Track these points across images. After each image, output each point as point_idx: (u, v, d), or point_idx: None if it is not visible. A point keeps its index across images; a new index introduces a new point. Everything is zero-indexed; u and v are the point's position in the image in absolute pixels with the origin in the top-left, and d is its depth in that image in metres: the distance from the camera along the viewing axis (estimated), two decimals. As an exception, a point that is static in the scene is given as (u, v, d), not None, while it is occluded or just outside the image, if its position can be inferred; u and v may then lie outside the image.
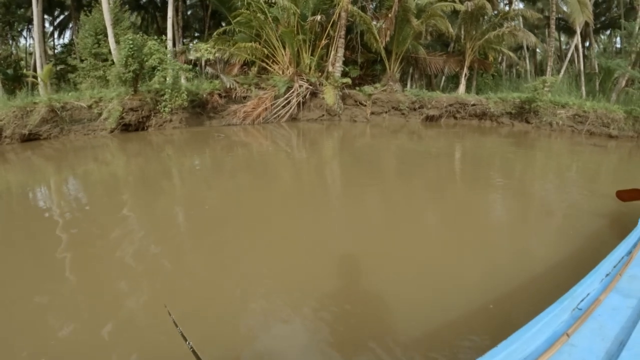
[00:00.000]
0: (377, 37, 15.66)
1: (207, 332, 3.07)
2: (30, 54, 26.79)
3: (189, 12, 25.56)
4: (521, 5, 23.60)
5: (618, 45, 28.16)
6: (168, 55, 14.08)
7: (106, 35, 17.56)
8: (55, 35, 27.74)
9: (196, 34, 25.42)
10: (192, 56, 14.89)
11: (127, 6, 18.66)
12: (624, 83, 21.00)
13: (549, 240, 4.94)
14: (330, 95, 14.68)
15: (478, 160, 10.90)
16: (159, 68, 14.02)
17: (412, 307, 3.37)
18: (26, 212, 6.33)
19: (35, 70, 21.13)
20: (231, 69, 17.31)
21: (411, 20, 15.54)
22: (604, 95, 20.86)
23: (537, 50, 25.10)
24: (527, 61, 23.62)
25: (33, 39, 24.22)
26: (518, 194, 7.16)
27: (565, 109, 16.38)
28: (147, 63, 14.30)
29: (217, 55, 14.71)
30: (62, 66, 22.09)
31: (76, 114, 14.57)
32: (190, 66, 14.18)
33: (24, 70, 23.02)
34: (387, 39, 15.64)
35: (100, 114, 14.59)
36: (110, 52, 17.48)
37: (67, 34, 27.86)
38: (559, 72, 21.06)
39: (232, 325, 3.19)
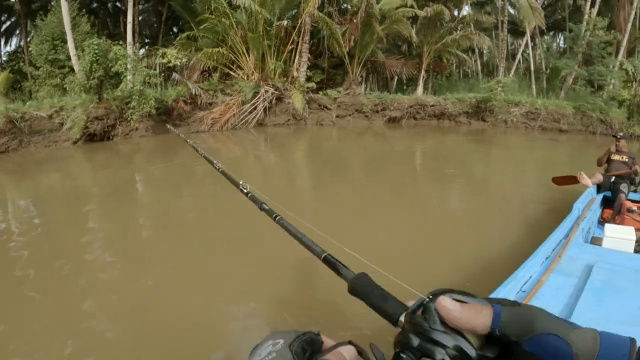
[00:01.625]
0: (341, 42, 16.04)
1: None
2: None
3: (139, 18, 24.98)
4: (468, 10, 24.66)
5: (562, 45, 29.94)
6: (134, 62, 13.83)
7: (63, 41, 17.00)
8: (2, 43, 26.40)
9: (146, 40, 24.86)
10: (157, 62, 14.64)
11: (84, 10, 18.06)
12: (571, 81, 22.39)
13: (498, 228, 5.45)
14: (298, 100, 14.92)
15: (440, 157, 11.43)
16: (125, 74, 13.72)
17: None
18: None
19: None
20: (191, 74, 17.18)
21: (374, 26, 16.02)
22: (552, 92, 22.16)
23: (484, 51, 26.25)
24: (477, 62, 24.71)
25: None
26: (473, 186, 7.77)
27: (518, 106, 17.35)
28: (112, 69, 13.99)
29: (184, 61, 14.54)
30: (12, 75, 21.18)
31: (36, 124, 13.84)
32: (157, 72, 14.00)
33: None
34: (352, 43, 16.07)
35: (62, 124, 13.99)
36: (68, 59, 16.89)
37: (14, 41, 26.64)
38: (509, 71, 22.17)
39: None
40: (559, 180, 6.14)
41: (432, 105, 17.52)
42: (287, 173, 9.67)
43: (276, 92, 15.28)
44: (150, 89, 14.07)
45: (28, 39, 23.03)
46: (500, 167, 10.25)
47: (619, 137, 5.90)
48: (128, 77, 13.74)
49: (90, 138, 14.00)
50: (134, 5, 21.96)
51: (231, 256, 4.69)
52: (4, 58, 25.12)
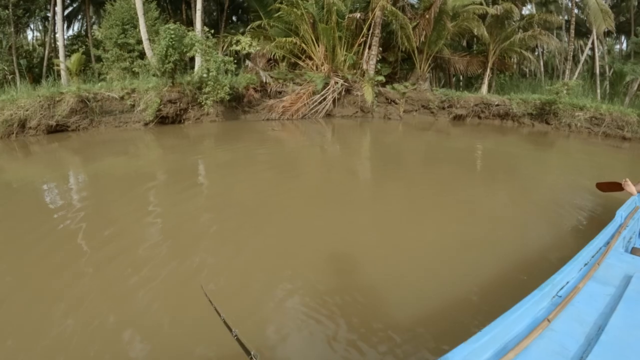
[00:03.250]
0: (412, 36, 15.85)
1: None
2: (40, 45, 26.29)
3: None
4: (530, 9, 24.06)
5: (624, 47, 28.95)
6: (210, 48, 13.95)
7: (133, 26, 17.37)
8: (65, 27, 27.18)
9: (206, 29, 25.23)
10: (231, 49, 14.78)
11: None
12: (636, 87, 21.66)
13: (540, 231, 5.27)
14: (369, 93, 14.82)
15: (498, 157, 11.11)
16: (201, 60, 13.86)
17: (412, 289, 3.68)
18: (41, 208, 6.16)
19: (47, 61, 20.85)
20: (258, 63, 17.27)
21: (446, 22, 15.78)
22: (617, 98, 21.46)
23: (546, 51, 25.65)
24: (541, 62, 24.10)
25: (42, 30, 23.90)
26: (524, 188, 7.53)
27: (583, 111, 16.80)
28: (187, 54, 14.15)
29: (257, 49, 14.62)
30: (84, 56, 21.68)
31: (107, 105, 14.20)
32: (231, 59, 14.10)
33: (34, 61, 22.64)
34: (422, 39, 15.86)
35: (133, 106, 14.28)
36: (137, 43, 17.25)
37: (76, 26, 27.47)
38: (573, 73, 21.57)
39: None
40: (603, 187, 5.91)
41: (497, 105, 17.13)
42: (347, 166, 9.53)
43: (345, 84, 15.22)
44: (224, 76, 14.18)
45: (91, 23, 23.73)
46: (556, 171, 9.94)
47: None
48: (203, 63, 13.84)
49: (161, 121, 14.24)
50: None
51: (271, 238, 4.75)
52: (66, 42, 25.94)
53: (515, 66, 23.09)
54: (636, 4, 24.15)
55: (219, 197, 6.60)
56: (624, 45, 28.79)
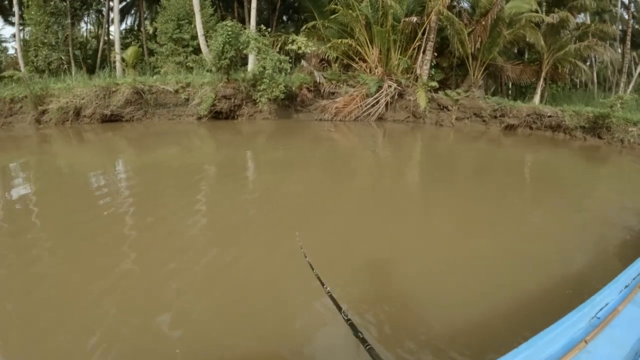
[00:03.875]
0: (467, 42, 15.67)
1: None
2: (94, 37, 27.02)
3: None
4: (582, 18, 23.46)
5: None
6: (266, 46, 14.09)
7: (188, 22, 17.72)
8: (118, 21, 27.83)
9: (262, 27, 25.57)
10: (287, 48, 14.92)
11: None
12: (697, 102, 20.91)
13: (586, 249, 5.13)
14: (422, 98, 14.74)
15: (548, 171, 10.84)
16: (257, 57, 14.01)
17: (454, 299, 3.70)
18: (91, 193, 6.44)
19: (100, 53, 21.43)
20: (311, 63, 17.33)
21: (502, 30, 15.54)
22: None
23: (598, 62, 24.96)
24: (593, 73, 23.47)
25: (95, 23, 24.60)
26: (570, 204, 7.32)
27: (637, 126, 16.30)
28: (244, 51, 14.33)
29: (313, 49, 14.71)
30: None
31: (161, 97, 14.57)
32: (287, 58, 14.24)
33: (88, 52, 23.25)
34: (477, 45, 15.66)
35: (187, 99, 14.58)
36: (192, 38, 17.59)
37: (129, 20, 28.21)
38: (628, 86, 20.98)
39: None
40: None
41: (550, 116, 16.76)
42: (396, 172, 9.49)
43: (398, 88, 15.17)
44: (279, 74, 14.32)
45: (144, 18, 24.30)
46: (607, 188, 9.65)
47: None
48: (259, 61, 13.99)
49: (215, 116, 14.49)
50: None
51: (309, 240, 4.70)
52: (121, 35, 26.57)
53: (567, 77, 22.61)
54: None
55: (267, 193, 6.70)
56: None
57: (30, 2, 17.77)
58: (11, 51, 32.00)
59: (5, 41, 32.75)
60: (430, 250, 4.74)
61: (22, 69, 17.34)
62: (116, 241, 4.38)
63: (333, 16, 15.77)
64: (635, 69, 22.38)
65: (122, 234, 4.61)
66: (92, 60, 21.40)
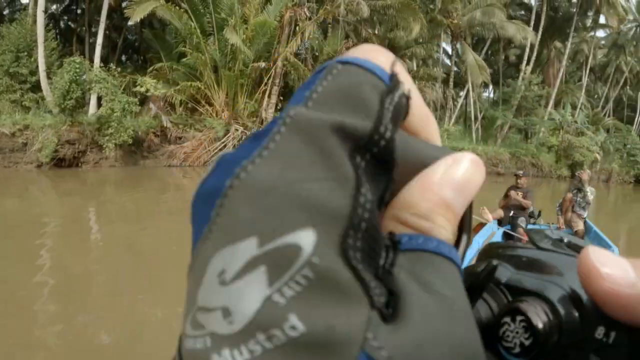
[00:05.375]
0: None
1: None
2: None
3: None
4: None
5: (490, 95, 33.30)
6: (114, 87, 13.76)
7: (28, 54, 16.52)
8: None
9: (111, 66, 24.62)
10: (136, 90, 14.69)
11: (51, 25, 17.68)
12: (507, 129, 25.09)
13: None
14: (269, 141, 15.67)
15: None
16: (105, 99, 13.53)
17: None
18: None
19: None
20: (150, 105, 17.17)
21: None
22: (491, 139, 24.68)
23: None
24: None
25: None
26: None
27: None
28: (90, 91, 13.78)
29: (163, 91, 14.74)
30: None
31: None
32: (137, 100, 14.13)
33: None
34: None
35: (25, 144, 13.48)
36: (31, 74, 16.39)
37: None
38: (449, 120, 24.47)
39: None
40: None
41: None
42: None
43: (245, 132, 15.98)
44: (127, 118, 14.07)
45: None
46: None
47: (520, 175, 6.46)
48: (110, 103, 13.58)
49: (57, 163, 13.54)
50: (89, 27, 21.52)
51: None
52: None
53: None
54: (503, 57, 27.92)
55: (119, 248, 6.25)
56: (491, 93, 32.98)
57: None
58: None
59: None
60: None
61: None
62: None
63: (184, 59, 16.03)
64: (454, 105, 26.15)
65: None
66: None
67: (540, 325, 0.21)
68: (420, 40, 21.53)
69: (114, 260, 5.64)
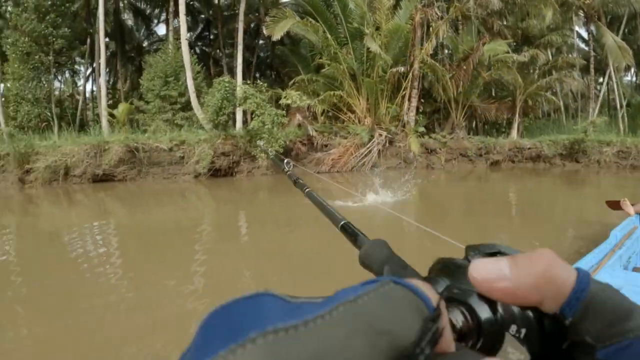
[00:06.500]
0: (448, 87, 16.52)
1: None
2: (69, 96, 26.70)
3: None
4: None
5: (634, 79, 29.66)
6: (264, 101, 14.34)
7: (176, 79, 17.83)
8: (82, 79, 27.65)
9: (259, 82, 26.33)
10: (281, 102, 15.23)
11: (193, 50, 19.14)
12: (657, 117, 22.26)
13: None
14: (415, 144, 15.38)
15: (530, 199, 11.40)
16: (256, 113, 14.18)
17: None
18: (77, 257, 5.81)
19: (80, 110, 21.15)
20: (292, 116, 17.69)
21: (482, 72, 16.49)
22: (638, 129, 22.00)
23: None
24: (561, 102, 24.76)
25: (69, 81, 24.41)
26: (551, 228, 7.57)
27: (610, 146, 17.32)
28: (241, 107, 14.48)
29: (307, 102, 15.09)
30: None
31: (155, 156, 14.28)
32: (284, 112, 14.56)
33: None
34: (459, 89, 16.53)
35: (182, 157, 14.37)
36: (180, 95, 17.67)
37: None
38: (593, 110, 22.23)
39: None
40: (611, 204, 5.92)
41: (529, 148, 17.72)
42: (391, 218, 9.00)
43: (388, 136, 15.78)
44: (277, 129, 14.57)
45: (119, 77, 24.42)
46: (585, 206, 10.07)
47: None
48: (260, 116, 14.15)
49: (213, 173, 14.31)
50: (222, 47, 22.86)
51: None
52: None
53: (538, 109, 23.84)
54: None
55: (267, 252, 6.27)
56: (634, 77, 29.43)
57: (13, 56, 17.39)
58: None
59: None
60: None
61: (2, 125, 16.91)
62: (99, 308, 3.99)
63: (323, 70, 16.32)
64: (601, 93, 23.78)
65: (106, 301, 4.20)
66: (72, 118, 21.00)
67: (458, 325, 0.26)
68: (553, 26, 20.02)
69: (262, 262, 5.74)
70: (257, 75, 25.83)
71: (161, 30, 27.92)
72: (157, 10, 25.48)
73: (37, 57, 17.56)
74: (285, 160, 1.57)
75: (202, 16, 25.28)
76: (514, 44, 19.62)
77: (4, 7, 20.16)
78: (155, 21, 26.33)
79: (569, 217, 8.85)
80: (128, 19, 26.02)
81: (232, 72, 21.04)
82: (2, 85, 18.90)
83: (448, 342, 0.21)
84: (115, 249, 6.40)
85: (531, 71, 19.81)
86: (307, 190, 1.11)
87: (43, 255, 5.95)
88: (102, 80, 18.70)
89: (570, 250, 5.66)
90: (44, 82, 18.56)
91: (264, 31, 16.90)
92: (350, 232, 0.68)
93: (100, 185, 13.39)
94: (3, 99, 18.22)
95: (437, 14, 16.76)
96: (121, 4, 24.10)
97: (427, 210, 10.48)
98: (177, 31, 20.65)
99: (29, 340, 3.54)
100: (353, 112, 16.73)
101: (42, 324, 3.75)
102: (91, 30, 21.17)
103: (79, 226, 7.96)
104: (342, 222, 0.72)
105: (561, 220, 8.50)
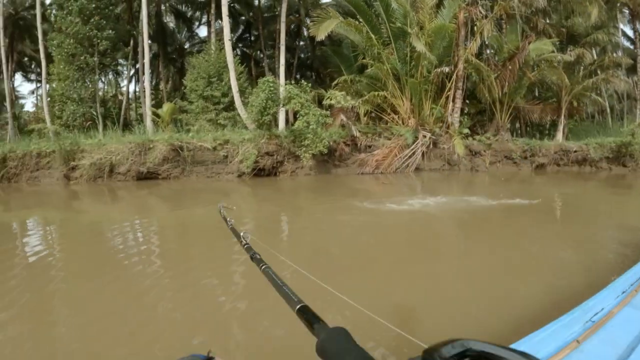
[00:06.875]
0: (493, 88, 16.24)
1: None
2: (113, 96, 27.48)
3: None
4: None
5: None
6: (308, 101, 14.40)
7: (219, 79, 18.11)
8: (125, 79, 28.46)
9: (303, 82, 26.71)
10: (325, 102, 15.27)
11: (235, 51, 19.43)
12: None
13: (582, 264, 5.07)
14: (459, 146, 15.18)
15: (574, 206, 10.72)
16: (300, 113, 14.26)
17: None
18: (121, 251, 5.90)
19: (123, 109, 21.71)
20: (335, 117, 17.43)
21: (527, 72, 16.16)
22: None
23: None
24: (607, 103, 24.07)
25: (112, 82, 25.19)
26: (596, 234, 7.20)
27: (658, 150, 16.75)
28: (285, 107, 14.59)
29: (351, 103, 15.09)
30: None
31: (198, 155, 14.53)
32: (328, 112, 14.60)
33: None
34: (505, 89, 16.24)
35: (225, 157, 14.58)
36: (223, 95, 17.93)
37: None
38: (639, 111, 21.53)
39: None
40: None
41: (575, 151, 17.26)
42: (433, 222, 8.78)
43: (433, 138, 15.63)
44: (321, 129, 14.61)
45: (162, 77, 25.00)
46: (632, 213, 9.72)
47: None
48: (305, 116, 14.23)
49: (256, 173, 14.44)
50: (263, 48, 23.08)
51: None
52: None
53: (583, 110, 23.23)
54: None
55: (307, 248, 6.20)
56: None
57: (58, 57, 18.03)
58: (28, 107, 32.41)
59: (22, 97, 33.26)
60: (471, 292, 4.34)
61: (48, 124, 17.60)
62: (141, 304, 3.97)
63: (367, 71, 16.28)
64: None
65: (149, 295, 4.15)
66: (116, 117, 21.62)
67: None
68: (598, 24, 19.48)
69: (303, 262, 5.17)
70: (298, 76, 26.09)
71: (202, 32, 28.49)
72: (198, 13, 25.96)
73: (82, 58, 18.13)
74: (242, 233, 1.52)
75: (243, 18, 25.66)
76: (559, 43, 19.15)
77: (48, 11, 20.89)
78: (197, 23, 26.83)
79: (613, 222, 8.56)
80: (170, 21, 26.63)
81: (273, 73, 21.30)
82: (48, 85, 19.53)
83: None
84: (157, 246, 6.38)
85: (576, 71, 19.29)
86: (264, 267, 1.09)
87: (85, 252, 6.02)
88: (147, 80, 19.15)
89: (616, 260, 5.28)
90: (89, 83, 19.14)
91: (308, 32, 17.02)
92: (306, 317, 0.66)
93: (144, 183, 13.72)
94: (49, 99, 18.93)
95: (481, 12, 16.47)
96: (163, 7, 24.64)
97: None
98: (218, 33, 21.01)
99: (67, 338, 3.46)
100: (397, 112, 16.64)
101: (78, 323, 3.68)
102: (134, 33, 21.75)
103: (119, 222, 8.02)
104: (299, 305, 0.70)
105: (605, 224, 8.21)
